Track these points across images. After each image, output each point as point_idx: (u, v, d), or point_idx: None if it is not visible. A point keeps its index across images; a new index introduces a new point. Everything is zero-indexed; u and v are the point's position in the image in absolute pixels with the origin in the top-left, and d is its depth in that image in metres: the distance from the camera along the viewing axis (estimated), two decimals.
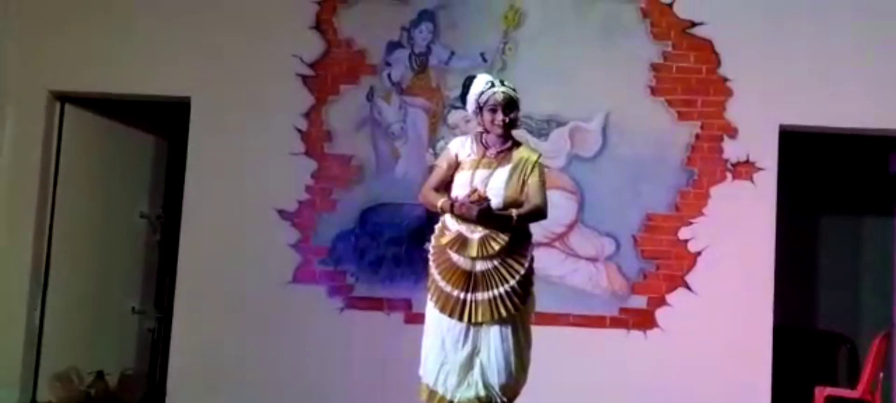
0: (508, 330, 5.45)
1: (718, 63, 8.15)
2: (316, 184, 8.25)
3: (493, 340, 5.43)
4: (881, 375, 8.17)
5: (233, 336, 8.15)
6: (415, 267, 8.11)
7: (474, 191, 5.38)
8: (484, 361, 5.44)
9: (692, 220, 8.10)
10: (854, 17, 8.14)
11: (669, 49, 8.19)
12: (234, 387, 8.08)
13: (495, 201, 5.37)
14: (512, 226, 5.38)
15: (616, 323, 8.07)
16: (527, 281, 5.47)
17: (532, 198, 5.44)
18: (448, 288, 5.44)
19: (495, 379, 5.43)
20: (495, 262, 5.39)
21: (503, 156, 5.51)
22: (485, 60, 8.21)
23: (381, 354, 8.02)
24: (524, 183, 5.47)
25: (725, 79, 8.14)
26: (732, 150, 8.11)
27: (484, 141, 5.55)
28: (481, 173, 5.44)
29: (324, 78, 8.29)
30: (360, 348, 8.09)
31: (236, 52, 8.28)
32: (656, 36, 8.20)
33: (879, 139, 8.49)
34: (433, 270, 5.54)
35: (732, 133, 8.12)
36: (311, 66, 8.29)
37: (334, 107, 8.28)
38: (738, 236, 8.02)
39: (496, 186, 5.42)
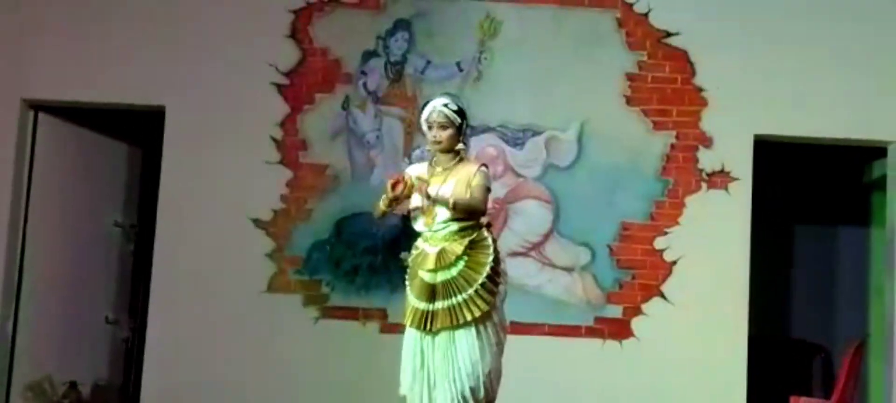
0: (473, 338, 5.51)
1: (693, 73, 8.18)
2: (291, 193, 8.23)
3: (454, 349, 5.50)
4: (855, 385, 8.20)
5: (207, 346, 8.11)
6: (391, 276, 8.10)
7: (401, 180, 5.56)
8: (441, 371, 5.53)
9: (667, 230, 8.12)
10: (829, 28, 8.18)
11: (645, 59, 8.21)
12: (208, 397, 8.03)
13: (441, 214, 5.54)
14: (453, 214, 5.51)
15: (591, 332, 8.07)
16: (487, 290, 5.52)
17: (472, 193, 5.55)
18: (414, 302, 5.59)
19: (464, 388, 5.48)
20: (455, 271, 5.50)
21: (450, 171, 5.63)
22: (461, 69, 8.22)
23: (356, 364, 8.01)
24: (469, 187, 5.58)
25: (700, 89, 8.17)
26: (707, 160, 8.13)
27: (433, 161, 5.71)
28: (433, 185, 5.57)
29: (299, 87, 8.27)
30: (336, 357, 8.06)
31: (211, 61, 8.25)
32: (632, 46, 8.22)
33: (854, 149, 8.52)
34: (407, 287, 5.70)
35: (707, 143, 8.14)
36: (287, 74, 8.27)
37: (309, 116, 8.26)
38: (714, 246, 8.04)
39: (445, 194, 5.53)
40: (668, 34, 8.20)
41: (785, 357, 9.64)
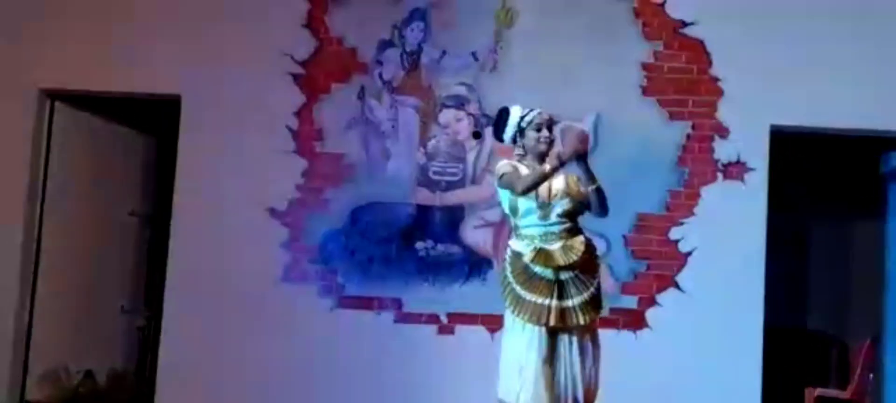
0: (587, 340, 5.55)
1: (710, 63, 8.15)
2: (306, 182, 8.23)
3: (573, 349, 5.51)
4: (871, 376, 8.18)
5: (222, 335, 8.13)
6: (405, 266, 8.13)
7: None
8: (566, 371, 5.51)
9: (683, 220, 8.10)
10: (846, 18, 8.14)
11: (661, 49, 8.19)
12: (223, 386, 8.06)
13: (564, 202, 5.52)
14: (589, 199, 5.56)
15: (606, 323, 7.97)
16: (600, 292, 5.61)
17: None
18: (534, 298, 5.48)
19: (577, 389, 5.51)
20: (574, 273, 5.50)
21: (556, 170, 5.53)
22: (476, 59, 8.22)
23: (371, 353, 8.03)
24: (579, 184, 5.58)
25: (716, 80, 8.14)
26: (723, 151, 8.11)
27: (527, 164, 5.60)
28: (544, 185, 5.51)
29: (315, 76, 8.28)
30: (351, 347, 8.07)
31: (227, 51, 8.26)
32: (648, 36, 8.20)
33: (870, 140, 8.48)
34: (515, 288, 5.54)
35: (723, 133, 8.12)
36: (303, 64, 8.28)
37: (325, 106, 8.27)
38: (729, 236, 8.02)
39: (559, 190, 5.52)
40: (685, 24, 8.18)
41: (800, 348, 9.63)
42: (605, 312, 7.83)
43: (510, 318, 5.56)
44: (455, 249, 8.17)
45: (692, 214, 8.10)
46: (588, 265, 5.56)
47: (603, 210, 5.63)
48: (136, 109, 8.96)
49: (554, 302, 5.45)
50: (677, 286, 8.08)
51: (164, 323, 8.27)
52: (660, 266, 8.10)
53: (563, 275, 5.48)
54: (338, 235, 8.21)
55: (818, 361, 9.86)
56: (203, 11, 8.34)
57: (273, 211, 8.20)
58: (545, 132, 5.59)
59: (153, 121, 9.16)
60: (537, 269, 5.49)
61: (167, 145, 8.79)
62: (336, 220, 8.21)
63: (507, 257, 5.64)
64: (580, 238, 5.56)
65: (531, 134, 5.60)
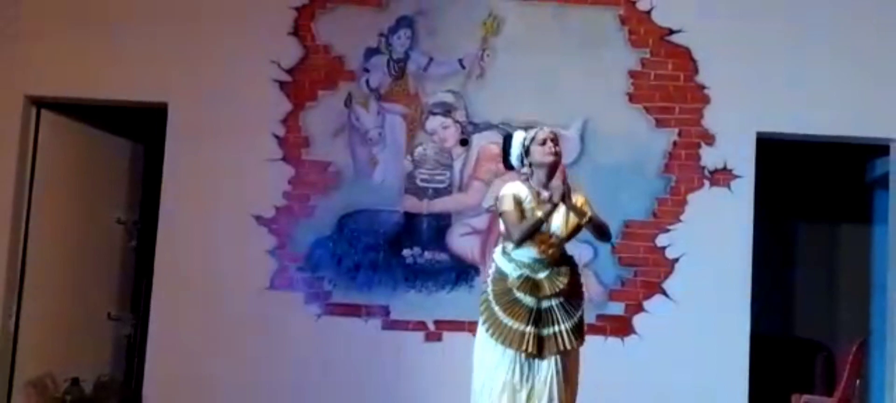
0: (566, 364, 5.61)
1: (696, 70, 8.18)
2: (293, 190, 8.23)
3: (551, 373, 5.57)
4: (858, 383, 8.19)
5: (209, 343, 8.11)
6: (392, 273, 8.14)
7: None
8: (538, 393, 5.57)
9: (669, 227, 8.12)
10: (831, 26, 8.18)
11: (647, 56, 8.21)
12: (210, 394, 8.04)
13: (563, 235, 5.58)
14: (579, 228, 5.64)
15: (593, 330, 8.00)
16: (582, 320, 5.67)
17: (598, 218, 5.68)
18: (512, 323, 5.54)
19: None
20: (558, 301, 5.57)
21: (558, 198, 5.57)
22: (463, 67, 8.23)
23: (358, 360, 8.02)
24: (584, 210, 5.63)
25: (703, 87, 8.17)
26: (710, 158, 8.14)
27: (534, 185, 5.65)
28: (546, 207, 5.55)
29: (302, 84, 8.27)
30: (338, 354, 8.07)
31: (214, 58, 8.25)
32: (634, 43, 8.23)
33: (856, 147, 8.52)
34: (495, 308, 5.61)
35: (710, 140, 8.15)
36: (289, 71, 8.27)
37: (312, 113, 8.27)
38: (716, 243, 8.04)
39: (558, 224, 5.55)
40: (671, 31, 8.21)
41: (787, 354, 9.63)
42: (590, 319, 7.95)
43: (483, 336, 5.64)
44: (442, 256, 8.18)
45: (679, 221, 8.13)
46: (574, 291, 5.63)
47: (603, 239, 5.80)
48: (123, 116, 8.93)
49: (531, 329, 5.53)
50: (664, 293, 8.09)
51: (151, 330, 8.24)
52: (647, 272, 8.12)
53: (545, 303, 5.56)
54: (325, 242, 8.20)
55: (804, 367, 9.86)
56: (190, 19, 8.32)
57: (260, 219, 8.20)
58: (550, 145, 5.62)
59: (140, 128, 9.14)
60: (519, 295, 5.57)
61: (154, 152, 8.78)
62: (323, 227, 8.20)
63: (491, 273, 5.70)
64: (566, 267, 5.63)
65: (537, 148, 5.64)
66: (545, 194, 5.58)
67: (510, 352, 5.55)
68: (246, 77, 8.24)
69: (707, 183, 8.13)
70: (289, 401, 8.04)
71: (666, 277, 8.10)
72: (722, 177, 8.13)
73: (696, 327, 7.99)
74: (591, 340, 7.84)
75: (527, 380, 5.57)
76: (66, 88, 8.37)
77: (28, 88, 8.38)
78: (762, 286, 8.21)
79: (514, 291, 5.56)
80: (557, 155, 5.65)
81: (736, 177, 8.11)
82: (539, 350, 5.53)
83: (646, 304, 8.10)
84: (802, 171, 9.73)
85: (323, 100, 8.28)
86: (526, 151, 5.67)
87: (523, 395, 5.58)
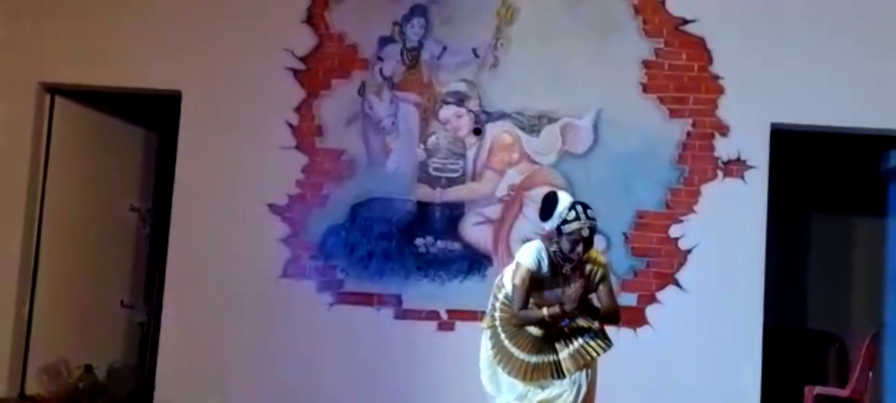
0: (584, 375, 5.61)
1: (710, 61, 8.15)
2: (306, 178, 8.24)
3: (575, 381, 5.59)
4: (871, 374, 8.17)
5: (222, 330, 8.13)
6: (405, 262, 8.14)
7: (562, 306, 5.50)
8: (573, 393, 5.59)
9: (683, 218, 8.10)
10: (846, 16, 8.13)
11: (661, 46, 8.18)
12: (223, 381, 8.07)
13: (572, 304, 5.48)
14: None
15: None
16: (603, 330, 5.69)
17: (606, 301, 5.65)
18: (534, 359, 5.56)
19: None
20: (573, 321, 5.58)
21: (576, 268, 5.57)
22: (477, 56, 8.22)
23: (370, 349, 8.03)
24: (594, 286, 5.63)
25: (717, 77, 8.14)
26: (724, 148, 8.11)
27: (557, 259, 5.57)
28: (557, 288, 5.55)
29: (315, 72, 8.28)
30: (350, 342, 8.08)
31: (228, 46, 8.26)
32: (648, 33, 8.19)
33: (870, 138, 8.48)
34: (508, 346, 5.61)
35: (724, 131, 8.12)
36: (303, 60, 8.28)
37: (325, 102, 8.27)
38: (729, 234, 8.02)
39: (572, 296, 5.49)
40: (685, 21, 8.17)
41: (800, 346, 9.62)
42: None
43: (490, 354, 5.68)
44: (455, 246, 8.17)
45: (692, 212, 8.10)
46: (586, 314, 5.61)
47: (610, 324, 5.75)
48: (137, 105, 8.96)
49: (549, 358, 5.55)
50: (677, 283, 8.08)
51: (164, 317, 8.27)
52: (660, 263, 8.10)
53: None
54: (338, 231, 8.21)
55: (817, 359, 9.85)
56: (204, 7, 8.34)
57: (273, 207, 8.21)
58: (581, 248, 5.49)
59: (154, 116, 9.16)
60: (532, 330, 5.58)
61: (167, 140, 8.80)
62: (336, 216, 8.21)
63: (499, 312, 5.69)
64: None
65: (566, 242, 5.51)
66: (566, 268, 5.53)
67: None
68: (260, 65, 8.25)
69: (721, 174, 8.10)
70: (301, 389, 8.05)
71: (679, 268, 8.08)
72: (736, 167, 8.10)
73: (709, 318, 7.97)
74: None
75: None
76: (81, 76, 8.40)
77: (42, 76, 8.41)
78: (775, 277, 8.19)
79: (516, 333, 5.60)
80: (583, 256, 5.54)
81: (750, 167, 8.08)
82: (562, 374, 5.54)
83: (659, 295, 8.08)
84: (816, 163, 9.70)
85: (336, 88, 8.28)
86: (560, 226, 5.52)
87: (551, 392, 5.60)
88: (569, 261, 5.53)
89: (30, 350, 8.43)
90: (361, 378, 8.02)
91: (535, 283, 5.52)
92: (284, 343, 8.10)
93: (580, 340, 5.55)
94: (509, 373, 5.58)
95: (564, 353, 5.54)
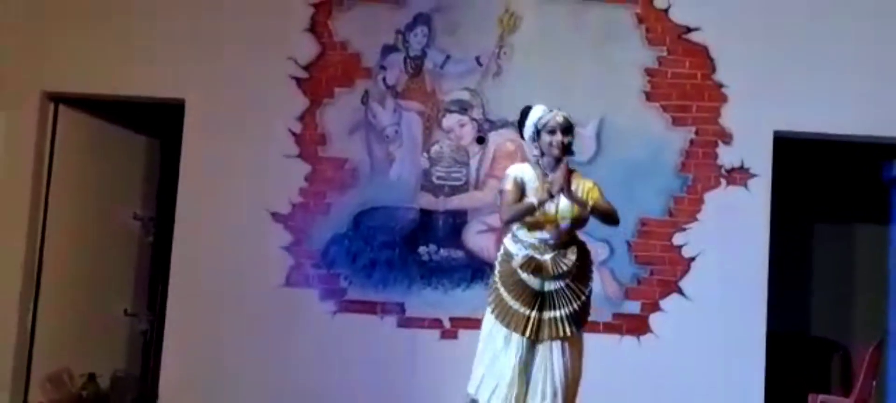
0: (566, 348, 5.62)
1: (713, 69, 8.15)
2: (310, 186, 8.24)
3: (552, 357, 5.59)
4: (874, 383, 8.17)
5: (225, 339, 8.13)
6: (408, 270, 8.14)
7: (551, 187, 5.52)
8: (538, 378, 5.59)
9: (686, 226, 8.10)
10: (849, 25, 8.14)
11: (664, 54, 8.19)
12: (226, 390, 8.06)
13: (566, 222, 5.56)
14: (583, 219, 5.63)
15: (610, 328, 8.06)
16: (588, 303, 5.70)
17: (601, 204, 5.65)
18: (516, 306, 5.58)
19: (556, 397, 5.58)
20: (563, 283, 5.58)
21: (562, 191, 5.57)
22: (480, 64, 8.22)
23: (373, 358, 8.03)
24: (592, 196, 5.64)
25: (720, 85, 8.14)
26: (727, 156, 8.11)
27: (542, 167, 5.67)
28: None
29: (318, 80, 8.28)
30: (353, 351, 8.07)
31: (231, 54, 8.27)
32: (651, 41, 8.20)
33: (873, 146, 8.48)
34: (501, 290, 5.65)
35: (727, 139, 8.12)
36: (306, 68, 8.28)
37: (329, 110, 8.27)
38: (732, 242, 8.02)
39: (563, 210, 5.56)
40: (689, 29, 8.18)
41: (803, 354, 9.62)
42: (607, 317, 7.99)
43: (490, 318, 5.67)
44: (458, 254, 8.18)
45: (695, 220, 8.10)
46: (581, 274, 5.65)
47: (610, 223, 5.76)
48: (140, 113, 8.96)
49: (534, 314, 5.55)
50: (680, 291, 8.07)
51: (167, 326, 8.27)
52: (663, 271, 8.10)
53: (549, 286, 5.57)
54: (341, 239, 8.21)
55: (821, 367, 9.85)
56: (207, 15, 8.34)
57: (276, 215, 8.21)
58: (558, 136, 5.60)
59: (157, 124, 9.16)
60: (524, 276, 5.58)
61: (171, 148, 8.80)
62: (339, 224, 8.21)
63: (500, 255, 5.73)
64: (574, 247, 5.63)
65: (545, 137, 5.65)
66: (551, 177, 5.57)
67: (516, 336, 5.57)
68: (263, 73, 8.25)
69: (724, 181, 8.11)
70: (304, 398, 8.04)
71: (682, 276, 8.08)
72: (739, 175, 8.10)
73: (713, 326, 7.97)
74: (606, 339, 7.99)
75: (527, 365, 5.59)
76: (84, 84, 8.40)
77: (46, 84, 8.42)
78: (779, 285, 8.19)
79: (519, 272, 5.58)
80: (564, 147, 5.62)
81: (753, 175, 8.09)
82: (541, 335, 5.56)
83: (662, 303, 8.08)
84: (819, 171, 9.70)
85: (340, 97, 8.28)
86: (537, 132, 5.68)
87: (510, 379, 5.58)
88: (556, 162, 5.57)
89: (33, 358, 8.42)
90: (365, 386, 8.01)
91: (521, 196, 5.57)
92: (287, 351, 8.10)
93: (567, 310, 5.56)
94: (508, 326, 5.58)
95: (549, 314, 5.56)
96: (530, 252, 5.58)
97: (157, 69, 8.29)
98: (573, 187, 5.54)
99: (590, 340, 7.90)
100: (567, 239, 5.62)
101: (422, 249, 8.19)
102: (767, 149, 8.09)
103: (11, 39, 8.39)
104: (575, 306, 5.59)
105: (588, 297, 5.69)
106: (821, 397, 8.16)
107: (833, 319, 9.96)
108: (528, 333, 5.54)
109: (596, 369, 7.86)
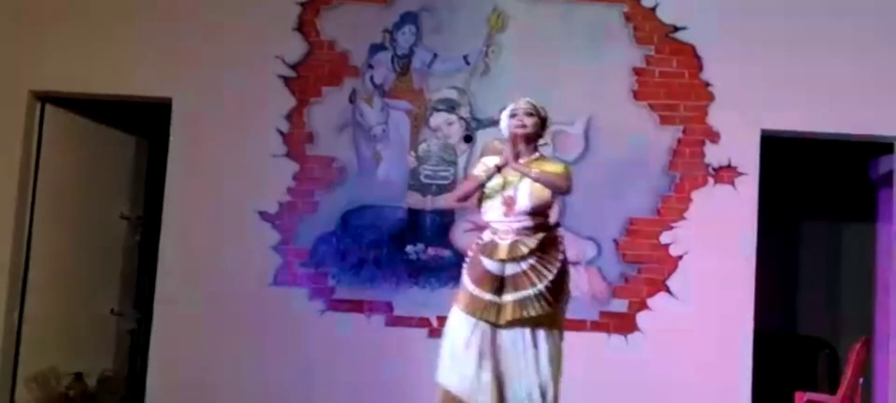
0: (545, 335, 5.62)
1: (701, 68, 8.17)
2: (297, 185, 8.23)
3: (525, 345, 5.60)
4: (861, 380, 8.19)
5: (213, 338, 8.12)
6: (396, 269, 8.14)
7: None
8: (515, 365, 5.60)
9: (673, 224, 8.12)
10: (836, 23, 8.17)
11: (652, 53, 8.20)
12: (213, 389, 8.05)
13: (525, 204, 5.63)
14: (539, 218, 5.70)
15: (597, 326, 8.08)
16: (557, 287, 5.66)
17: (556, 175, 5.71)
18: (477, 292, 5.64)
19: (530, 385, 5.59)
20: (524, 266, 5.61)
21: (530, 167, 5.70)
22: (468, 63, 8.23)
23: (361, 356, 8.02)
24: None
25: (707, 84, 8.16)
26: (714, 155, 8.13)
27: (513, 151, 5.76)
28: (509, 182, 5.68)
29: (306, 79, 8.28)
30: (341, 350, 8.07)
31: (218, 53, 8.25)
32: (639, 40, 8.22)
33: (860, 144, 8.51)
34: (465, 277, 5.74)
35: (714, 137, 8.14)
36: (294, 67, 8.27)
37: (316, 109, 8.27)
38: (720, 240, 8.03)
39: (524, 191, 5.65)
40: (676, 29, 8.20)
41: (790, 352, 9.64)
42: (594, 315, 8.00)
43: (455, 308, 5.74)
44: (446, 252, 8.17)
45: (683, 218, 8.12)
46: (545, 260, 5.63)
47: (559, 190, 5.75)
48: (127, 112, 8.94)
49: (490, 297, 5.59)
50: (668, 290, 8.09)
51: (155, 325, 8.25)
52: (650, 270, 8.11)
53: (510, 270, 5.59)
54: (328, 238, 8.20)
55: (808, 365, 9.88)
56: (194, 14, 8.33)
57: (264, 214, 8.20)
58: (517, 119, 5.74)
59: (144, 123, 9.14)
60: (484, 260, 5.64)
61: (158, 147, 8.78)
62: (327, 223, 8.20)
63: (474, 244, 5.82)
64: (539, 235, 5.64)
65: (510, 121, 5.79)
66: (521, 161, 5.69)
67: (475, 323, 5.60)
68: (250, 72, 8.24)
69: (711, 180, 8.13)
70: (292, 396, 8.04)
71: (670, 274, 8.09)
72: (726, 174, 8.12)
73: (700, 324, 7.98)
74: (594, 337, 8.01)
75: (492, 352, 5.60)
76: (71, 83, 8.37)
77: (32, 83, 8.40)
78: (766, 283, 8.20)
79: (480, 256, 5.66)
80: (524, 126, 5.73)
81: (740, 174, 8.11)
82: (496, 317, 5.58)
83: (649, 301, 8.10)
84: (807, 169, 9.73)
85: (327, 96, 8.28)
86: (507, 120, 5.83)
87: (489, 367, 5.59)
88: (525, 148, 5.69)
89: (19, 358, 8.39)
90: (352, 385, 8.01)
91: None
92: (275, 350, 8.08)
93: (528, 292, 5.56)
94: (466, 310, 5.62)
95: (508, 298, 5.58)
96: (495, 237, 5.66)
97: (144, 68, 8.27)
98: (536, 170, 5.64)
99: (577, 338, 7.97)
100: (534, 224, 5.65)
101: (409, 248, 8.19)
102: (755, 147, 8.11)
103: None
104: (537, 289, 5.57)
105: (554, 283, 5.63)
106: (808, 395, 8.18)
107: (820, 317, 9.99)
108: (485, 316, 5.57)
109: (583, 367, 7.89)
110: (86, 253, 8.87)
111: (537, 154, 5.81)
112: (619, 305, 8.09)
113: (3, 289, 8.28)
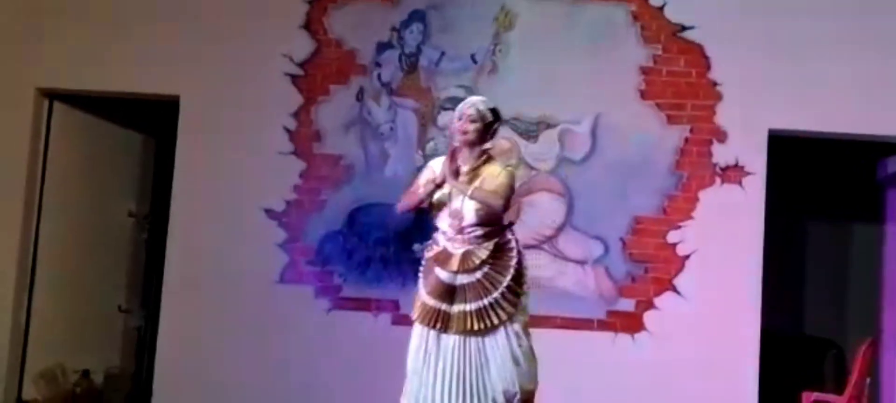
0: (505, 343, 5.53)
1: (708, 67, 8.16)
2: (304, 183, 8.24)
3: (456, 355, 5.52)
4: (868, 381, 8.18)
5: (219, 336, 8.13)
6: (402, 268, 8.12)
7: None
8: (483, 377, 5.53)
9: (680, 224, 8.10)
10: (844, 23, 8.14)
11: (659, 52, 8.19)
12: (220, 387, 8.05)
13: (471, 218, 5.52)
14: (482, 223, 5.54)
15: (603, 326, 8.07)
16: (512, 292, 5.55)
17: (494, 189, 5.52)
18: (430, 301, 5.57)
19: (497, 395, 5.51)
20: (477, 276, 5.52)
21: (475, 172, 5.58)
22: (475, 62, 8.22)
23: (368, 355, 8.01)
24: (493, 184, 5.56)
25: (715, 84, 8.14)
26: (721, 154, 8.11)
27: (458, 156, 5.61)
28: (455, 193, 5.57)
29: (313, 78, 8.28)
30: (348, 348, 8.07)
31: (226, 51, 8.26)
32: (646, 39, 8.20)
33: (868, 144, 8.49)
34: (420, 287, 5.68)
35: (721, 137, 8.12)
36: (301, 65, 8.28)
37: (324, 107, 8.27)
38: (727, 240, 8.02)
39: (469, 206, 5.54)
40: (684, 28, 8.18)
41: (797, 352, 9.62)
42: (601, 315, 7.99)
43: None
44: None
45: (690, 218, 8.11)
46: (496, 269, 5.54)
47: (490, 209, 5.53)
48: (135, 110, 8.96)
49: (442, 306, 5.52)
50: (675, 289, 8.08)
51: (162, 323, 8.26)
52: (657, 269, 8.10)
53: (461, 280, 5.52)
54: (335, 236, 8.21)
55: (815, 365, 9.85)
56: (202, 12, 8.34)
57: (270, 212, 8.21)
58: (460, 123, 5.59)
59: (151, 121, 9.16)
60: (437, 270, 5.57)
61: (165, 145, 8.79)
62: (334, 222, 8.21)
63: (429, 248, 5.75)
64: (491, 241, 5.55)
65: (455, 124, 5.67)
66: (464, 169, 5.57)
67: (425, 332, 5.57)
68: (258, 71, 8.25)
69: (718, 180, 8.11)
70: (298, 394, 8.04)
71: (677, 274, 8.08)
72: (733, 173, 8.11)
73: (707, 324, 7.97)
74: (601, 336, 8.01)
75: (434, 360, 5.56)
76: (78, 81, 8.39)
77: (40, 81, 8.41)
78: (773, 283, 8.19)
79: (433, 264, 5.59)
80: (466, 133, 5.57)
81: (748, 173, 8.09)
82: (446, 327, 5.51)
83: (656, 301, 8.08)
84: (814, 169, 9.71)
85: (335, 94, 8.28)
86: None
87: (429, 376, 5.57)
88: (466, 159, 5.56)
89: (27, 354, 8.42)
90: (359, 384, 8.00)
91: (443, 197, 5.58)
92: (282, 348, 8.09)
93: (478, 303, 5.48)
94: (417, 318, 5.59)
95: (456, 309, 5.50)
96: (447, 245, 5.58)
97: (152, 66, 8.28)
98: (480, 177, 5.53)
99: (584, 338, 8.02)
100: (485, 232, 5.55)
101: (416, 246, 8.17)
102: (762, 147, 8.09)
103: (5, 36, 8.39)
104: (492, 298, 5.48)
105: (508, 290, 5.52)
106: (814, 395, 8.17)
107: (827, 317, 9.96)
108: (434, 324, 5.51)
109: (590, 367, 7.95)
110: (93, 250, 8.89)
111: (484, 157, 5.63)
112: (626, 304, 8.08)
113: (11, 286, 8.31)
